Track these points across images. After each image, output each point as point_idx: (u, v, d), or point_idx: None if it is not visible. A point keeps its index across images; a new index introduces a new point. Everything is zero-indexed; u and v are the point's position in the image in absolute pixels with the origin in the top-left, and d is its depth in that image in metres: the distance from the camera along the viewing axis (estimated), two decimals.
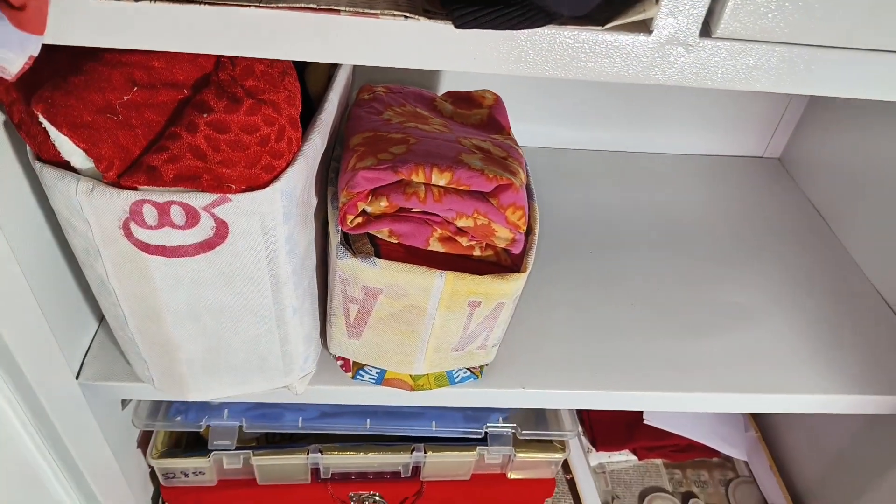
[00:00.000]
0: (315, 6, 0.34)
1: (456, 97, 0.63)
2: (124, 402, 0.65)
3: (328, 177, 0.53)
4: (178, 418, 0.65)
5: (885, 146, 0.72)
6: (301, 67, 0.54)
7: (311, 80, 0.55)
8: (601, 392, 0.60)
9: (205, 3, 0.33)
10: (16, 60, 0.33)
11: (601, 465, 0.86)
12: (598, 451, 0.86)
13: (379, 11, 0.34)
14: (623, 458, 0.87)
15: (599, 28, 0.35)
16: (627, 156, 0.88)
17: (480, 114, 0.61)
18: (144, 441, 0.71)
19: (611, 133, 0.87)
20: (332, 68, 0.55)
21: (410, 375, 0.56)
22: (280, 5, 0.33)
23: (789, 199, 0.84)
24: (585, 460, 0.85)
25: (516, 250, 0.50)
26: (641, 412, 0.88)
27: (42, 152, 0.40)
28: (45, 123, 0.36)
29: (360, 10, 0.34)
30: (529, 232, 0.52)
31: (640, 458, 0.87)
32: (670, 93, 0.84)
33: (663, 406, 0.61)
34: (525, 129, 0.85)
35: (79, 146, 0.36)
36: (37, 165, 0.40)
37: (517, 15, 0.33)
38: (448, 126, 0.57)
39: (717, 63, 0.36)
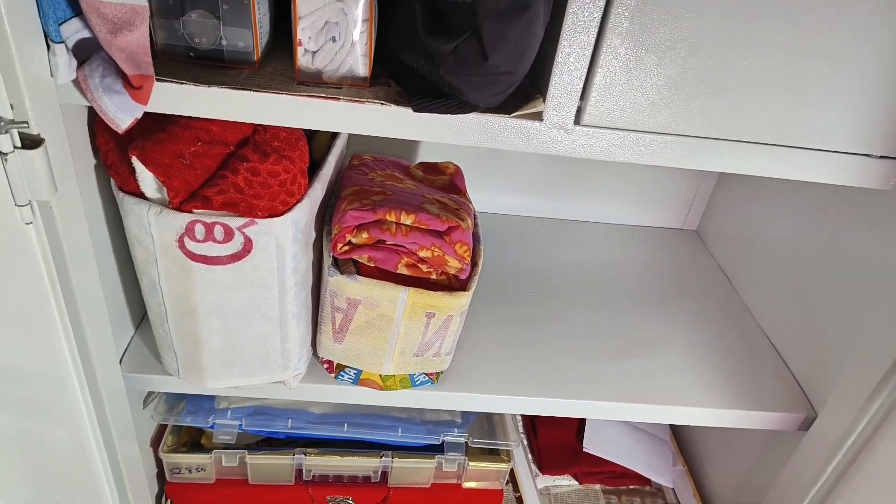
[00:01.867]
0: (323, 95, 0.52)
1: (426, 166, 0.82)
2: (146, 401, 0.79)
3: (325, 219, 0.70)
4: (189, 417, 0.79)
5: (778, 215, 0.91)
6: (309, 136, 0.73)
7: (315, 147, 0.73)
8: (538, 399, 0.75)
9: (251, 90, 0.52)
10: (127, 120, 0.51)
11: (546, 487, 0.99)
12: (543, 474, 0.99)
13: (365, 100, 0.53)
14: (566, 482, 1.00)
15: (507, 115, 0.53)
16: (565, 223, 1.07)
17: (443, 179, 0.80)
18: (154, 443, 0.85)
19: (551, 203, 1.06)
20: (332, 139, 0.74)
21: (380, 375, 0.71)
22: (301, 94, 0.52)
23: (702, 263, 1.03)
24: (533, 482, 0.98)
25: (463, 276, 0.67)
26: (581, 442, 1.01)
27: (125, 185, 0.57)
28: (136, 163, 0.54)
29: (353, 99, 0.53)
30: (474, 264, 0.69)
31: (580, 483, 1.00)
32: (605, 169, 1.04)
33: (591, 412, 0.76)
34: (479, 198, 1.05)
35: (159, 179, 0.54)
36: (119, 195, 0.58)
37: (454, 105, 0.52)
38: (417, 186, 0.75)
39: (588, 142, 0.55)
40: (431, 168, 0.82)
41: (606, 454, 1.01)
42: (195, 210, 0.56)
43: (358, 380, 0.72)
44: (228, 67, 0.55)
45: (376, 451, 0.84)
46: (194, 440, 0.87)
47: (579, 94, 0.53)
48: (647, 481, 1.02)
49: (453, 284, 0.68)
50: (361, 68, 0.55)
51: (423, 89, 0.53)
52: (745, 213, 0.98)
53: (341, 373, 0.72)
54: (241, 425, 0.79)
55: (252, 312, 0.63)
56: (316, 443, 0.84)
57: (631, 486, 1.01)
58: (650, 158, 0.56)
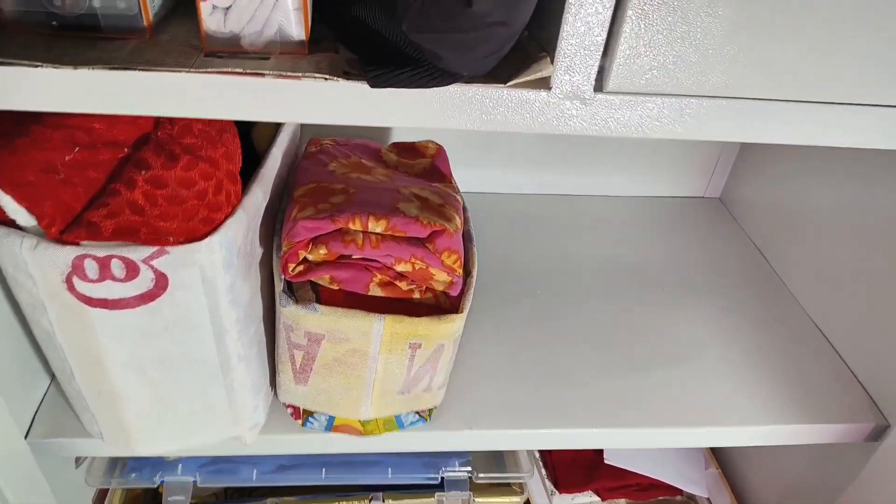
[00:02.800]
0: (241, 70, 0.37)
1: (401, 148, 0.67)
2: (78, 461, 0.65)
3: (275, 227, 0.55)
4: (133, 475, 0.65)
5: (819, 182, 0.76)
6: (249, 125, 0.58)
7: (258, 136, 0.58)
8: (552, 431, 0.61)
9: (138, 69, 0.36)
10: None
11: None
12: (560, 493, 0.86)
13: (301, 74, 0.37)
14: (586, 499, 0.87)
15: (502, 85, 0.38)
16: (571, 199, 0.92)
17: (423, 163, 0.64)
18: (99, 500, 0.71)
19: (553, 177, 0.91)
20: (279, 125, 0.58)
21: (359, 421, 0.57)
22: (209, 70, 0.37)
23: (730, 237, 0.88)
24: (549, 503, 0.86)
25: (454, 292, 0.52)
26: (602, 453, 0.88)
27: None
28: None
29: (284, 74, 0.37)
30: (468, 274, 0.55)
31: (603, 499, 0.87)
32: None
33: (614, 443, 0.63)
34: (469, 175, 0.89)
35: (21, 205, 0.38)
36: None
37: (426, 75, 0.36)
38: (390, 176, 0.60)
39: (612, 114, 0.40)
40: (408, 150, 0.66)
41: (630, 465, 0.88)
42: (82, 241, 0.41)
43: (331, 427, 0.58)
44: (108, 39, 0.39)
45: (364, 493, 0.71)
46: (149, 490, 0.73)
47: (601, 50, 0.37)
48: (678, 490, 0.90)
49: (442, 303, 0.53)
50: (295, 28, 0.39)
51: (385, 55, 0.37)
52: (780, 178, 0.83)
53: (309, 419, 0.58)
54: (195, 480, 0.65)
55: (180, 362, 0.48)
56: (288, 487, 0.70)
57: (660, 498, 0.89)
58: (700, 131, 0.41)
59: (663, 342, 0.71)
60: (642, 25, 0.36)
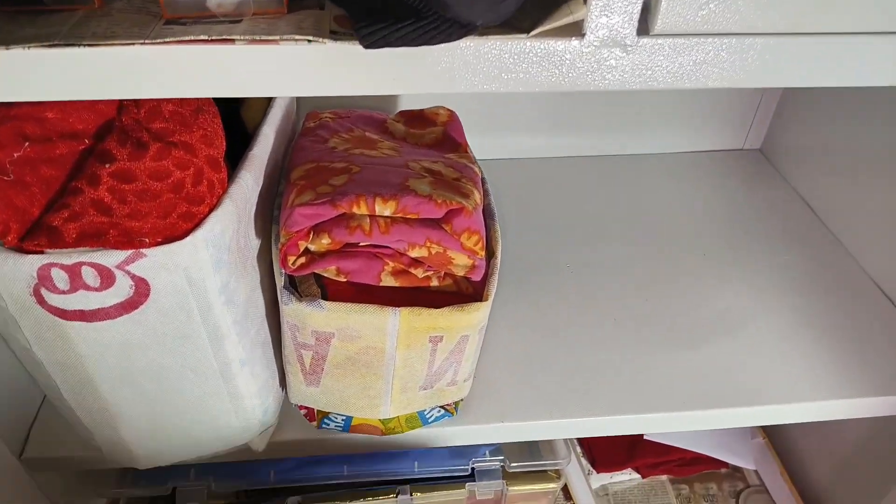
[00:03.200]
0: (206, 38, 0.30)
1: (409, 116, 0.60)
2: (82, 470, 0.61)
3: (273, 215, 0.49)
4: (143, 482, 0.61)
5: (871, 128, 0.68)
6: (237, 101, 0.51)
7: (248, 114, 0.51)
8: (591, 419, 0.56)
9: (84, 45, 0.30)
10: None
11: (604, 486, 0.82)
12: (598, 472, 0.82)
13: (278, 37, 0.31)
14: (626, 477, 0.83)
15: (525, 36, 0.31)
16: (598, 160, 0.84)
17: (434, 132, 0.58)
18: None
19: (578, 137, 0.83)
20: (271, 99, 0.52)
21: (379, 420, 0.52)
22: (168, 40, 0.30)
23: (775, 191, 0.81)
24: (586, 483, 0.81)
25: (477, 277, 0.47)
26: None
27: None
28: None
29: (258, 38, 0.31)
30: (490, 255, 0.49)
31: (643, 477, 0.83)
32: (635, 90, 0.80)
33: (660, 427, 0.58)
34: (486, 142, 0.82)
35: None
36: None
37: (430, 29, 0.30)
38: (398, 149, 0.53)
39: (660, 62, 0.33)
40: (416, 118, 0.60)
41: (671, 439, 0.83)
42: (45, 249, 0.35)
43: (349, 427, 0.53)
44: (52, 11, 0.33)
45: (390, 487, 0.66)
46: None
47: None
48: (723, 463, 0.84)
49: (464, 290, 0.48)
50: None
51: (379, 7, 0.31)
52: (826, 124, 0.75)
53: (325, 420, 0.53)
54: (209, 485, 0.61)
55: (176, 372, 0.43)
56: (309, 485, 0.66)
57: (704, 472, 0.84)
58: (769, 76, 0.34)
59: (707, 313, 0.64)
60: None
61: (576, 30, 0.32)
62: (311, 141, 0.53)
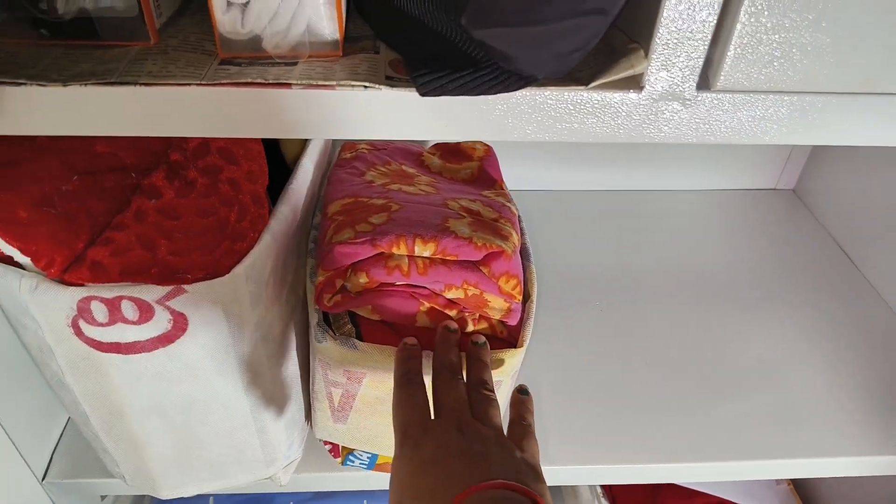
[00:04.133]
0: (263, 81, 0.30)
1: (445, 150, 0.60)
2: (104, 498, 0.61)
3: (307, 247, 0.49)
4: None
5: None
6: None
7: (286, 145, 0.51)
8: (618, 466, 0.54)
9: (140, 84, 0.30)
10: None
11: None
12: None
13: (335, 82, 0.30)
14: None
15: (583, 87, 0.31)
16: (631, 195, 0.83)
17: (471, 167, 0.58)
18: None
19: (611, 172, 0.83)
20: None
21: None
22: (224, 82, 0.30)
23: (808, 232, 0.79)
24: None
25: (513, 321, 0.46)
26: None
27: None
28: None
29: (314, 83, 0.30)
30: (526, 299, 0.48)
31: None
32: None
33: (687, 477, 0.56)
34: (519, 174, 0.81)
35: (12, 245, 0.33)
36: None
37: (489, 79, 0.29)
38: (435, 185, 0.53)
39: (718, 117, 0.32)
40: (453, 152, 0.59)
41: (696, 483, 0.81)
42: (87, 283, 0.35)
43: (374, 465, 0.52)
44: (106, 46, 0.33)
45: None
46: None
47: (709, 38, 0.30)
48: None
49: (499, 333, 0.47)
50: (327, 25, 0.32)
51: (437, 55, 0.30)
52: (861, 167, 0.73)
53: (350, 456, 0.52)
54: None
55: (207, 406, 0.43)
56: None
57: None
58: (829, 135, 0.33)
59: (739, 360, 0.63)
60: (765, 3, 0.29)
61: (634, 82, 0.31)
62: (347, 173, 0.53)
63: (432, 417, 0.36)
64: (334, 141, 0.61)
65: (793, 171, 0.84)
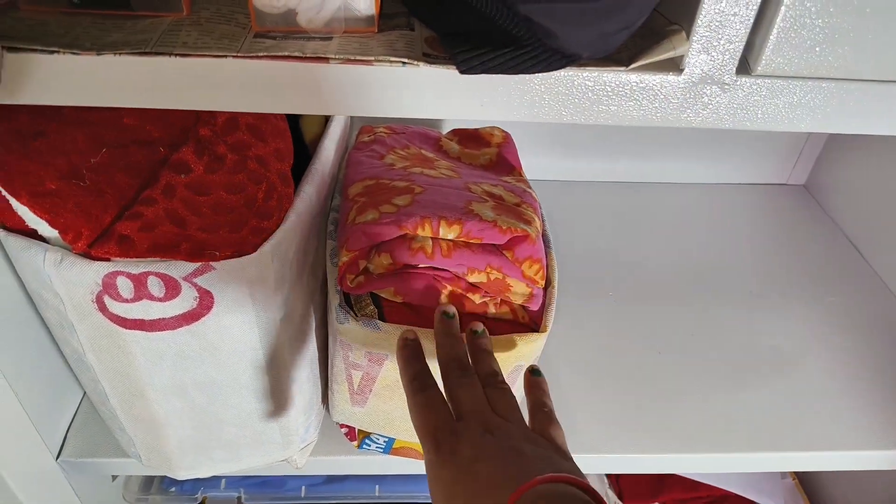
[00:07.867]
0: (301, 55, 0.30)
1: (462, 135, 0.60)
2: (115, 476, 0.60)
3: (327, 229, 0.49)
4: (173, 489, 0.60)
5: None
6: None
7: (305, 125, 0.51)
8: (627, 456, 0.55)
9: (175, 55, 0.30)
10: None
11: None
12: None
13: (373, 58, 0.30)
14: None
15: (623, 68, 0.30)
16: (643, 187, 0.83)
17: (489, 153, 0.57)
18: None
19: (622, 163, 0.82)
20: None
21: None
22: (260, 55, 0.30)
23: (818, 227, 0.79)
24: None
25: (534, 306, 0.46)
26: None
27: (6, 220, 0.36)
28: (3, 192, 0.32)
29: (352, 58, 0.30)
30: (548, 285, 0.48)
31: None
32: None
33: (693, 468, 0.56)
34: (534, 163, 0.81)
35: (41, 217, 0.32)
36: (1, 234, 0.36)
37: (530, 57, 0.29)
38: (456, 169, 0.53)
39: (756, 103, 0.32)
40: (471, 138, 0.59)
41: (701, 475, 0.81)
42: (113, 258, 0.35)
43: (390, 449, 0.52)
44: (138, 17, 0.32)
45: None
46: None
47: (751, 22, 0.29)
48: (751, 502, 0.83)
49: (520, 318, 0.47)
50: (363, 1, 0.32)
51: (474, 31, 0.30)
52: (874, 162, 0.73)
53: (366, 440, 0.52)
54: (239, 496, 0.60)
55: (228, 387, 0.43)
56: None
57: None
58: (869, 123, 0.33)
59: (749, 352, 0.63)
60: None
61: (673, 65, 0.31)
62: (366, 156, 0.53)
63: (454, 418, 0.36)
64: (351, 123, 0.61)
65: (804, 166, 0.84)
